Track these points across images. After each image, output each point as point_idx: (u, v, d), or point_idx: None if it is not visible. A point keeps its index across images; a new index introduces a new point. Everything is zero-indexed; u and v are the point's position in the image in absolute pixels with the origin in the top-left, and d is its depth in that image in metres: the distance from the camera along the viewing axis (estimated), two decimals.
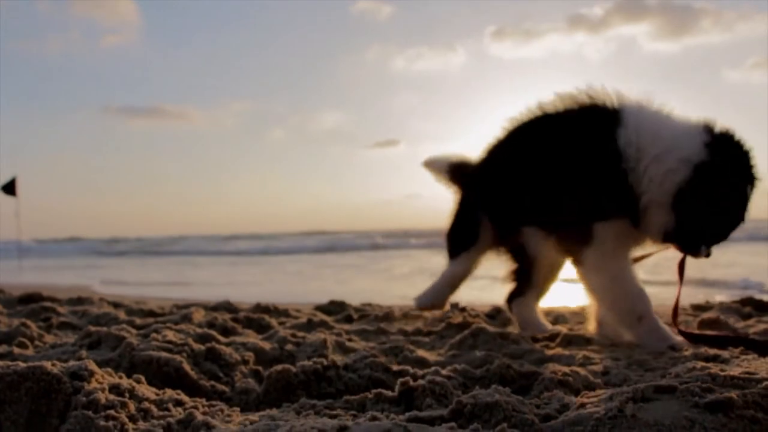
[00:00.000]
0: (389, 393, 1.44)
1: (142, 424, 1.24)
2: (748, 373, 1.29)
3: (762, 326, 2.36)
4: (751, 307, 2.94)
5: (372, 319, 2.99)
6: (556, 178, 2.16)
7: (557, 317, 3.01)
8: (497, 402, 1.18)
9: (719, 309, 2.90)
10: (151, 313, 3.11)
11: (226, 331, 2.41)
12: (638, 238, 2.10)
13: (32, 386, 1.25)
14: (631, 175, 1.99)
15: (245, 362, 1.88)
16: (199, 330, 2.20)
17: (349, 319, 3.07)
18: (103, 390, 1.28)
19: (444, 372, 1.59)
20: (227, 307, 3.18)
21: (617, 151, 2.00)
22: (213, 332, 2.20)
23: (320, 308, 3.39)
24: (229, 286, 8.08)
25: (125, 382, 1.39)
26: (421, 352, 2.02)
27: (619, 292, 2.07)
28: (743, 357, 1.67)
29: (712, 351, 1.79)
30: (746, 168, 1.97)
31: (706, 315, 2.56)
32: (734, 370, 1.32)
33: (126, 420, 1.21)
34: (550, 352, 1.98)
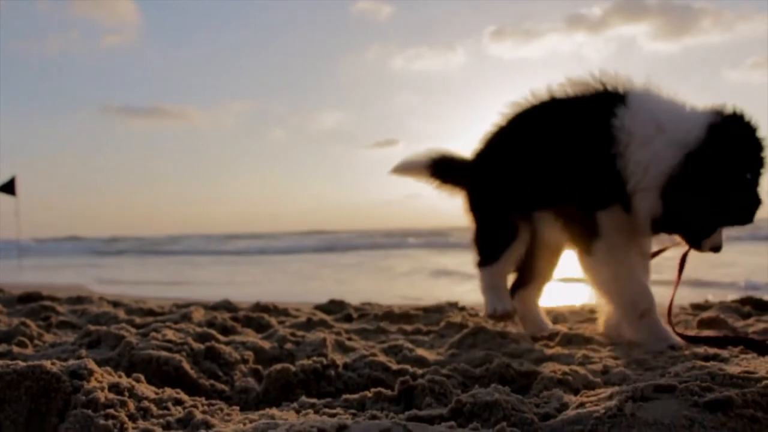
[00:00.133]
0: (389, 392, 1.44)
1: (141, 423, 1.24)
2: (747, 372, 1.29)
3: (761, 325, 2.36)
4: (751, 306, 2.94)
5: (371, 319, 2.98)
6: (557, 162, 2.12)
7: (557, 316, 3.00)
8: (497, 401, 1.18)
9: (719, 308, 2.90)
10: (150, 312, 3.10)
11: (225, 330, 2.41)
12: (641, 228, 2.00)
13: (32, 385, 1.25)
14: (619, 159, 1.92)
15: (245, 361, 1.88)
16: (198, 329, 2.20)
17: (348, 319, 3.06)
18: (102, 389, 1.28)
19: (443, 371, 1.59)
20: (227, 306, 3.18)
21: (611, 135, 1.94)
22: (212, 331, 2.20)
23: (320, 307, 3.38)
24: (228, 285, 8.09)
25: (125, 381, 1.39)
26: (420, 351, 2.02)
27: (623, 287, 2.04)
28: (742, 356, 1.67)
29: (712, 350, 1.79)
30: (749, 152, 1.84)
31: (705, 314, 2.56)
32: (733, 369, 1.32)
33: (125, 419, 1.21)
34: (549, 351, 1.98)
